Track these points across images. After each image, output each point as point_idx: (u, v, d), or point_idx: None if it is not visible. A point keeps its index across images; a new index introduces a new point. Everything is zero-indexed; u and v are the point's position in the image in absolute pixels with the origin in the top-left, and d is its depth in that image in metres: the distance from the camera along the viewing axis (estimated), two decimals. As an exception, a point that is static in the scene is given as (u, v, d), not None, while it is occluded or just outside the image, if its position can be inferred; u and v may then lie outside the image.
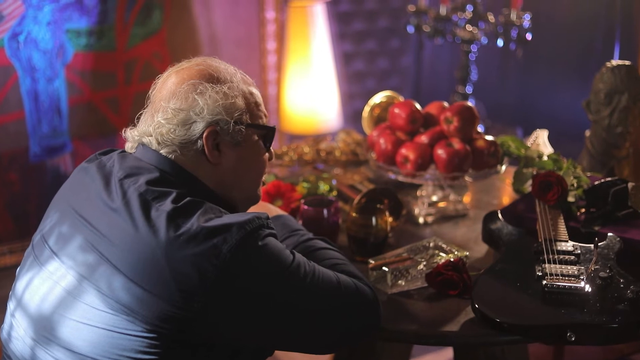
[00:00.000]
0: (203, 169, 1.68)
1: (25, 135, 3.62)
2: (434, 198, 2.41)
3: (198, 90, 1.65)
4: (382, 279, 1.95)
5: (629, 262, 1.98)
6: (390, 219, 2.26)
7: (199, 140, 1.65)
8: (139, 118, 1.75)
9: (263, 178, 1.82)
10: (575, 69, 4.15)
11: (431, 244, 2.09)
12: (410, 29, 3.54)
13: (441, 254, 2.04)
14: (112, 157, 1.74)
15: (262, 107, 1.77)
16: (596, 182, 2.22)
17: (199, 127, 1.64)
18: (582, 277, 1.82)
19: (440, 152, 2.29)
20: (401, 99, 2.52)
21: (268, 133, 1.76)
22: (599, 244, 1.98)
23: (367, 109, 2.61)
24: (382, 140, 2.36)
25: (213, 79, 1.68)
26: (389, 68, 4.85)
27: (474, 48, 3.48)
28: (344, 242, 2.15)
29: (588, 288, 1.79)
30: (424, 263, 1.97)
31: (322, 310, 1.62)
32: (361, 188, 2.41)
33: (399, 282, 1.95)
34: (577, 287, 1.79)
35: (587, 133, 3.00)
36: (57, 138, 3.70)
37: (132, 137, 1.73)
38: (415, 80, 4.87)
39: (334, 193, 2.35)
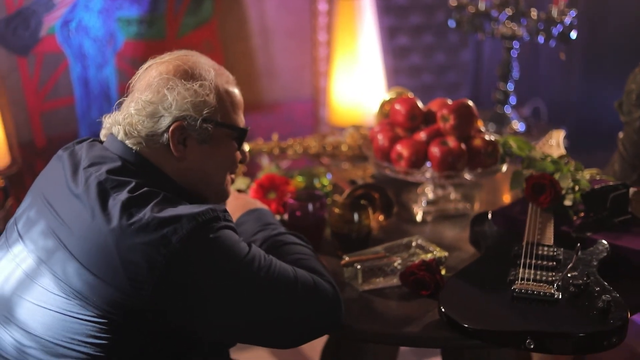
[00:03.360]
0: (168, 162, 1.71)
1: (74, 120, 3.72)
2: (430, 196, 2.37)
3: (169, 86, 1.67)
4: (355, 276, 1.93)
5: (619, 271, 1.92)
6: (381, 217, 2.24)
7: (165, 134, 1.68)
8: (120, 105, 1.78)
9: (233, 176, 1.86)
10: None
11: (414, 243, 2.06)
12: (452, 24, 3.48)
13: (421, 253, 2.01)
14: (83, 145, 1.78)
15: (239, 108, 1.79)
16: (596, 186, 2.14)
17: (166, 121, 1.67)
18: (554, 284, 1.77)
19: (434, 150, 2.25)
20: (411, 95, 2.48)
21: (240, 134, 1.78)
22: (583, 250, 1.92)
23: (378, 104, 2.59)
24: (380, 136, 2.33)
25: (187, 75, 1.70)
26: (446, 63, 4.78)
27: (515, 44, 3.40)
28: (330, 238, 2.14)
29: (558, 295, 1.74)
30: (399, 262, 1.94)
31: (275, 305, 1.61)
32: (360, 183, 2.39)
33: (373, 279, 1.93)
34: (546, 293, 1.75)
35: (621, 135, 2.90)
36: (106, 124, 3.79)
37: (105, 124, 1.78)
38: (475, 76, 4.79)
39: (329, 188, 2.34)
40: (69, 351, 1.57)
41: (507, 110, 3.49)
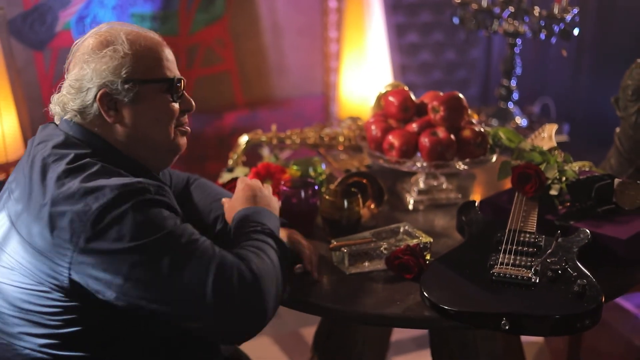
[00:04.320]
0: (107, 129, 1.80)
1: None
2: (422, 185, 2.43)
3: (86, 60, 1.78)
4: (342, 259, 2.00)
5: (601, 258, 1.97)
6: (372, 205, 2.30)
7: (95, 104, 1.77)
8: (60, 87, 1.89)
9: (185, 128, 1.90)
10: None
11: (401, 229, 2.12)
12: (456, 21, 3.54)
13: (407, 239, 2.08)
14: (41, 128, 1.91)
15: (165, 62, 1.83)
16: (581, 177, 2.20)
17: (92, 92, 1.77)
18: (532, 268, 1.82)
19: (424, 140, 2.32)
20: (406, 89, 2.54)
21: (171, 85, 1.83)
22: (565, 237, 1.98)
23: (375, 97, 2.65)
24: (373, 127, 2.40)
25: (100, 45, 1.78)
26: (456, 60, 4.83)
27: (519, 41, 3.45)
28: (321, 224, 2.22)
29: (535, 279, 1.80)
30: (385, 246, 2.01)
31: (189, 285, 1.59)
32: (353, 172, 2.46)
33: (359, 263, 1.99)
34: (524, 277, 1.80)
35: (617, 130, 2.95)
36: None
37: (50, 106, 1.88)
38: (484, 73, 4.84)
39: (323, 177, 2.41)
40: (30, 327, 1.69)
41: (510, 106, 3.54)
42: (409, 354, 3.42)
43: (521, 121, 3.53)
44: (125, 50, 1.77)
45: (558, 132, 3.55)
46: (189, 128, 1.93)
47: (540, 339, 3.24)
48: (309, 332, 2.70)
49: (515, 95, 3.53)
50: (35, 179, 1.69)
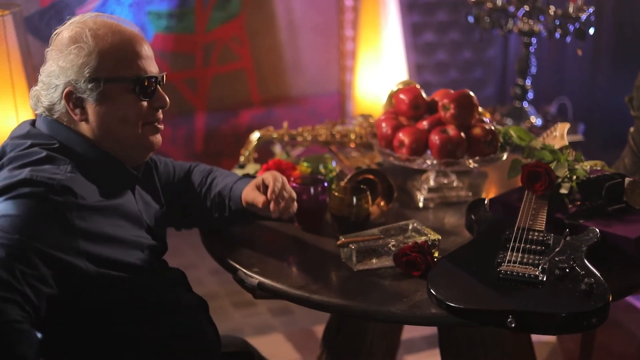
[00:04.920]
0: (76, 125, 1.82)
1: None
2: (432, 183, 2.43)
3: (53, 56, 1.78)
4: (350, 256, 2.00)
5: (610, 257, 1.96)
6: (382, 202, 2.30)
7: (62, 101, 1.79)
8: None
9: (158, 125, 1.89)
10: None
11: (410, 226, 2.12)
12: (471, 20, 3.53)
13: (416, 236, 2.08)
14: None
15: (136, 58, 1.80)
16: (591, 176, 2.19)
17: (59, 90, 1.78)
18: (540, 266, 1.82)
19: (434, 137, 2.32)
20: (418, 86, 2.54)
21: (137, 84, 1.80)
22: (574, 236, 1.97)
23: (387, 95, 2.66)
24: (384, 125, 2.41)
25: (68, 41, 1.77)
26: (473, 59, 4.82)
27: (534, 41, 3.44)
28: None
29: (543, 277, 1.79)
30: (393, 243, 2.01)
31: None
32: (362, 169, 2.46)
33: (367, 260, 2.00)
34: (531, 275, 1.79)
35: (631, 129, 2.93)
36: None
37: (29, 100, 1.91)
38: (501, 72, 4.83)
39: (333, 174, 2.42)
40: None
41: (525, 105, 3.53)
42: (420, 353, 3.41)
43: (536, 120, 3.52)
44: (90, 48, 1.75)
45: (573, 132, 3.55)
46: (161, 126, 1.90)
47: (552, 339, 3.23)
48: (320, 330, 2.71)
49: (530, 95, 3.53)
50: None
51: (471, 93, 2.36)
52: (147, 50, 1.84)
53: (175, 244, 2.28)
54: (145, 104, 1.83)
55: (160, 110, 1.88)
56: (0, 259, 1.53)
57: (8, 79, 3.02)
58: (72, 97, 1.77)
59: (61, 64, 1.76)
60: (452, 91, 2.42)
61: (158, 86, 1.85)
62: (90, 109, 1.79)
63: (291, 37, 4.38)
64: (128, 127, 1.83)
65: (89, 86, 1.75)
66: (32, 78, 3.47)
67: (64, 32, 1.80)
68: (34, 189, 1.63)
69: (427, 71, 4.75)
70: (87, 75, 1.75)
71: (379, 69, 4.11)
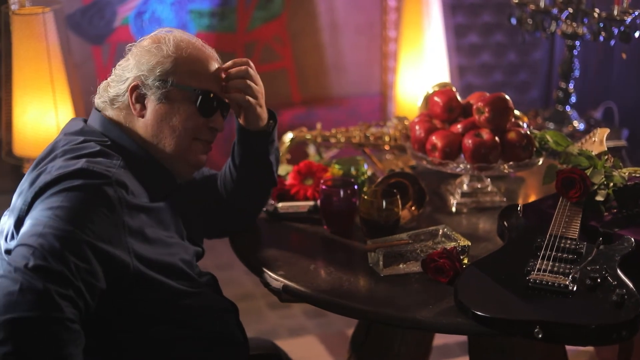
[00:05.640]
0: (131, 121, 1.86)
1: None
2: (465, 188, 2.39)
3: (133, 52, 1.86)
4: (377, 261, 1.98)
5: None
6: (413, 207, 2.27)
7: (126, 94, 1.83)
8: None
9: (202, 143, 1.91)
10: None
11: (440, 232, 2.09)
12: (513, 22, 3.48)
13: (446, 242, 2.04)
14: None
15: (206, 76, 1.87)
16: (629, 183, 2.13)
17: (128, 82, 1.83)
18: (570, 276, 1.77)
19: (467, 141, 2.27)
20: (454, 89, 2.50)
21: (200, 97, 1.85)
22: (608, 245, 1.92)
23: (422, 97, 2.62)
24: (417, 127, 2.37)
25: (150, 42, 1.86)
26: (518, 62, 4.75)
27: (577, 44, 3.38)
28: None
29: (573, 287, 1.75)
30: (421, 249, 1.98)
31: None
32: (394, 172, 2.42)
33: (395, 265, 1.97)
34: (561, 284, 1.75)
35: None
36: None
37: None
38: (546, 75, 4.75)
39: (365, 176, 2.39)
40: None
41: (568, 109, 3.46)
42: (453, 359, 3.37)
43: (578, 125, 3.45)
44: (169, 51, 1.83)
45: (616, 137, 3.46)
46: (210, 147, 1.94)
47: (590, 347, 3.16)
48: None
49: (573, 99, 3.45)
50: (39, 158, 1.77)
51: (507, 96, 2.31)
52: (217, 72, 1.91)
53: (211, 244, 2.28)
54: (202, 119, 1.87)
55: (214, 133, 1.92)
56: (55, 251, 1.53)
57: (47, 76, 3.06)
58: (137, 91, 1.83)
59: (138, 59, 1.83)
60: (487, 94, 2.37)
61: (220, 110, 1.91)
62: (150, 106, 1.84)
63: (333, 37, 4.36)
64: (178, 135, 1.86)
65: (156, 84, 1.82)
66: (72, 75, 3.50)
67: (149, 37, 1.88)
68: (90, 180, 1.65)
69: (470, 73, 4.69)
70: (158, 73, 1.82)
71: (421, 70, 4.06)
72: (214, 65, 1.90)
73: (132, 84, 1.82)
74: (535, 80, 4.83)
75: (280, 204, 2.30)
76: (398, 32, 4.32)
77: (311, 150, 2.67)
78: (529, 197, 2.53)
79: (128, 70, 1.84)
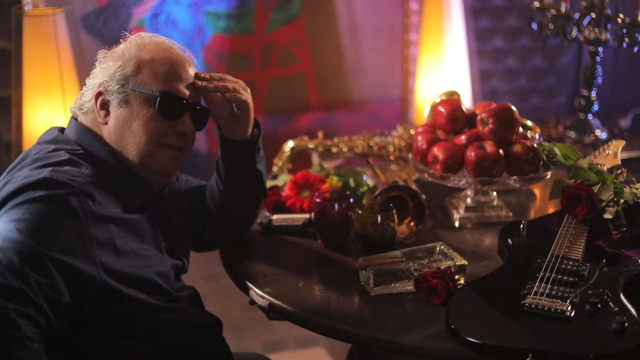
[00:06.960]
0: (100, 129, 1.82)
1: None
2: (469, 202, 2.29)
3: (100, 59, 1.85)
4: (367, 279, 1.89)
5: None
6: (412, 222, 2.18)
7: (92, 100, 1.80)
8: None
9: (167, 146, 1.83)
10: None
11: (437, 249, 1.99)
12: (534, 26, 3.36)
13: (442, 259, 1.95)
14: None
15: (171, 78, 1.80)
16: (637, 200, 2.02)
17: (93, 89, 1.81)
18: (569, 300, 1.67)
19: (470, 154, 2.17)
20: (459, 98, 2.40)
21: (161, 99, 1.78)
22: (613, 266, 1.81)
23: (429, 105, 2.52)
24: (419, 138, 2.27)
25: (115, 50, 1.84)
26: (544, 67, 4.62)
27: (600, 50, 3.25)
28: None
29: (570, 313, 1.65)
30: (415, 267, 1.89)
31: None
32: (391, 186, 2.33)
33: (386, 284, 1.88)
34: (557, 310, 1.66)
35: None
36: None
37: None
38: (574, 81, 4.61)
39: (364, 188, 2.30)
40: None
41: (590, 117, 3.34)
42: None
43: (601, 134, 3.32)
44: (131, 55, 1.80)
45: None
46: (180, 153, 1.86)
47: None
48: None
49: (596, 107, 3.33)
50: (10, 167, 1.75)
51: (512, 107, 2.20)
52: (187, 75, 1.84)
53: (206, 255, 2.24)
54: (165, 123, 1.80)
55: (183, 137, 1.84)
56: (14, 266, 1.49)
57: (57, 77, 3.04)
58: (101, 98, 1.79)
59: (103, 65, 1.81)
60: (493, 104, 2.27)
61: (188, 113, 1.83)
62: (113, 112, 1.80)
63: (353, 40, 4.27)
64: (139, 142, 1.80)
65: (116, 88, 1.78)
66: (85, 77, 3.47)
67: (121, 42, 1.87)
68: (53, 191, 1.60)
69: (495, 78, 4.57)
70: (118, 78, 1.78)
71: (441, 75, 3.96)
72: (184, 68, 1.83)
73: (97, 91, 1.80)
74: (562, 86, 4.70)
75: (274, 216, 2.22)
76: (419, 36, 4.22)
77: (315, 159, 2.58)
78: (539, 212, 2.42)
79: (95, 76, 1.82)
